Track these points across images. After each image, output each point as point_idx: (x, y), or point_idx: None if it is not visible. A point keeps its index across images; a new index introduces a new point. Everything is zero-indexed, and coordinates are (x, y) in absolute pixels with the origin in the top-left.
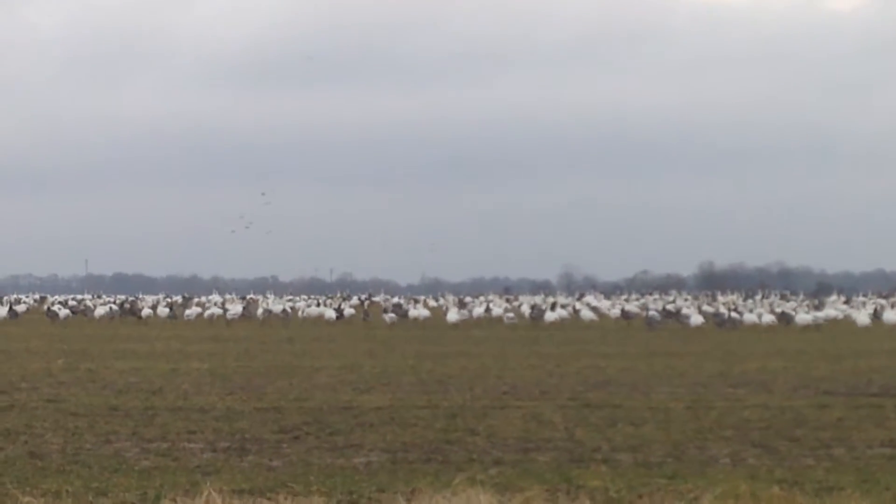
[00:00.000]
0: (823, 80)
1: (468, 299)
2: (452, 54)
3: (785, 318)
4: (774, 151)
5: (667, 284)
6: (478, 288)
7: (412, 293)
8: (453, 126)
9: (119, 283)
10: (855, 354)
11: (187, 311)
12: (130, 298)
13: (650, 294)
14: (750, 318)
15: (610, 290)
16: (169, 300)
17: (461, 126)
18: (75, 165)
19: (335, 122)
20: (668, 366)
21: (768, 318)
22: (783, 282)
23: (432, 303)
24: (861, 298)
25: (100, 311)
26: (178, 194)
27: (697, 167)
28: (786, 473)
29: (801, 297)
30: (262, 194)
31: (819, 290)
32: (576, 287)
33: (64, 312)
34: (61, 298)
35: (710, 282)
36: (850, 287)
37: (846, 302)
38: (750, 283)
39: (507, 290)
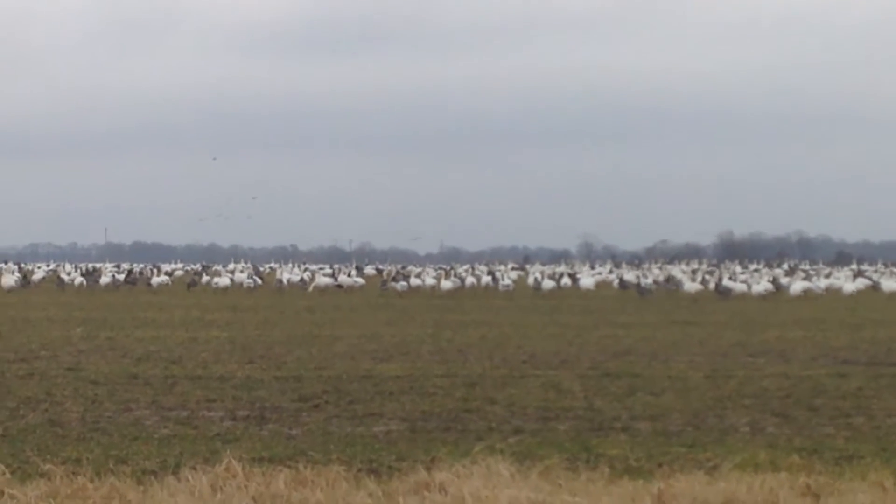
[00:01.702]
0: (851, 48)
1: (481, 268)
2: (480, 21)
3: (777, 287)
4: (797, 120)
5: (686, 254)
6: (497, 257)
7: (431, 263)
8: (476, 94)
9: (138, 251)
10: (874, 324)
11: (214, 280)
12: (139, 267)
13: (651, 264)
14: (740, 287)
15: (629, 260)
16: (186, 269)
17: (485, 94)
18: (96, 134)
19: (360, 90)
20: (687, 335)
21: (761, 288)
22: (802, 251)
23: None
24: (880, 267)
25: (104, 279)
26: (199, 163)
27: (719, 136)
28: (805, 442)
29: (820, 265)
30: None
31: (838, 259)
32: (595, 256)
33: (78, 280)
34: (74, 267)
35: (730, 251)
36: (870, 256)
37: (859, 272)
38: (769, 252)
39: (526, 259)
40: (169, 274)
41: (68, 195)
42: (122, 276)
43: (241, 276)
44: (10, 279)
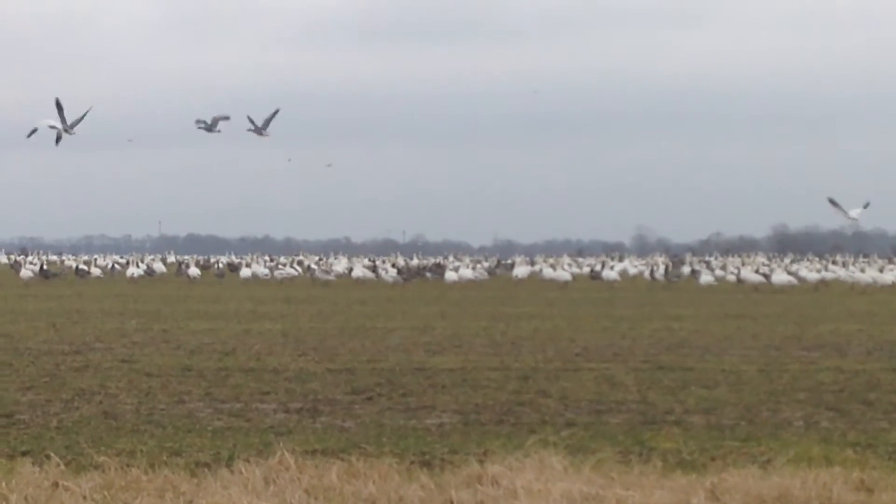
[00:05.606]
0: None
1: (518, 260)
2: (537, 14)
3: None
4: (852, 110)
5: (740, 246)
6: (550, 250)
7: (485, 254)
8: (532, 86)
9: (192, 243)
10: None
11: (243, 272)
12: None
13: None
14: (755, 277)
15: (682, 253)
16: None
17: (540, 86)
18: (150, 126)
19: (417, 81)
20: (740, 328)
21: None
22: (858, 244)
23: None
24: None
25: (131, 270)
26: (253, 153)
27: (773, 127)
28: (859, 437)
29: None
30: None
31: (895, 252)
32: (649, 249)
33: (96, 272)
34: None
35: (784, 244)
36: None
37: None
38: (824, 245)
39: (580, 252)
40: (204, 266)
41: (123, 187)
42: (143, 268)
43: (258, 268)
44: (28, 272)
